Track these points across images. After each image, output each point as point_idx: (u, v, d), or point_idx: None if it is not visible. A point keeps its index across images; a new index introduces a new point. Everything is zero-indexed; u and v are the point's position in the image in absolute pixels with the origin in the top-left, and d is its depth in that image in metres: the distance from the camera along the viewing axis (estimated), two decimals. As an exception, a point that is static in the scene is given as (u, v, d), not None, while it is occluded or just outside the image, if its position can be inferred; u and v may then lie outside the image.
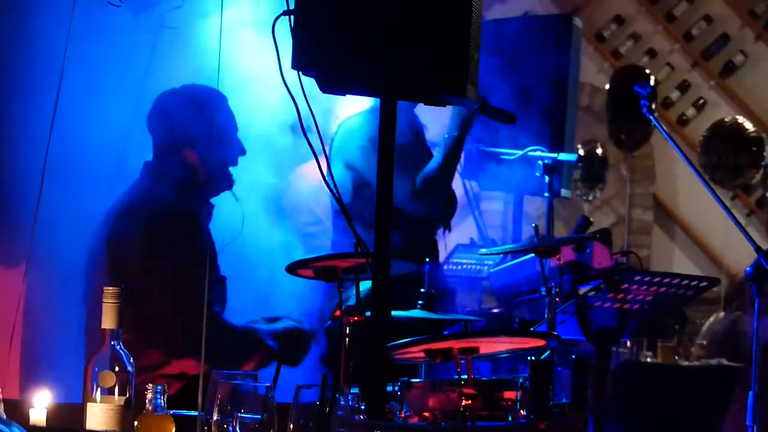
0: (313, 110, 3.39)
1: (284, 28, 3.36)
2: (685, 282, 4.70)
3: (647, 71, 8.48)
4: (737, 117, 8.77)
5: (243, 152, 4.75)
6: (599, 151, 8.60)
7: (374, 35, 3.19)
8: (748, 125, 8.53)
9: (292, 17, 3.26)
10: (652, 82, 7.81)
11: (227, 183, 4.76)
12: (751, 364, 4.53)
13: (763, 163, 8.57)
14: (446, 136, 5.36)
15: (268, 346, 4.62)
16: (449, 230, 5.73)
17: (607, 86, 8.12)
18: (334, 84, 3.31)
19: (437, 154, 5.37)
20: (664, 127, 5.31)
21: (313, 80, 3.39)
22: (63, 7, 4.97)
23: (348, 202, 5.05)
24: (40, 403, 2.82)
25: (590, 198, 8.75)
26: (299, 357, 4.71)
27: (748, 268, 4.59)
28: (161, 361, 4.50)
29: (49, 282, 5.11)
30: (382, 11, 3.19)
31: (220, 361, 4.53)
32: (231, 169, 4.76)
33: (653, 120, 5.06)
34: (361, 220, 4.85)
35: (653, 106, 6.07)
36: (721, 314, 7.40)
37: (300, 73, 3.27)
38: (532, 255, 4.78)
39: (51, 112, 4.95)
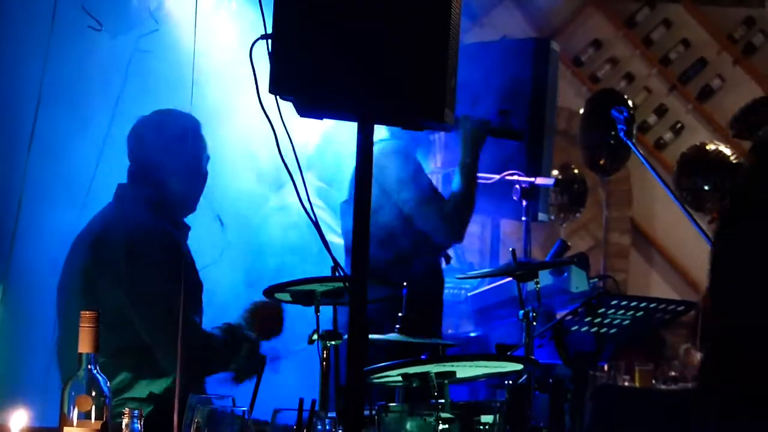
0: (290, 134, 3.38)
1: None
2: (662, 306, 4.71)
3: (624, 96, 8.47)
4: (717, 143, 8.76)
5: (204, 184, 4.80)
6: (576, 172, 8.59)
7: (351, 59, 3.20)
8: (728, 151, 8.53)
9: (269, 42, 3.26)
10: (630, 105, 7.81)
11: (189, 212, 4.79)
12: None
13: None
14: (460, 164, 5.35)
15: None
16: (448, 262, 5.69)
17: (582, 110, 8.14)
18: (311, 108, 3.30)
19: (455, 183, 5.35)
20: (641, 152, 5.33)
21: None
22: (40, 31, 4.97)
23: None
24: (17, 425, 2.80)
25: (563, 224, 8.75)
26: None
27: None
28: (126, 381, 4.47)
29: (26, 305, 5.09)
30: (360, 35, 3.20)
31: (206, 371, 4.56)
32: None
33: (630, 144, 5.08)
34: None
35: (633, 130, 6.07)
36: None
37: (277, 97, 3.26)
38: (510, 279, 4.77)
39: (29, 135, 4.94)
